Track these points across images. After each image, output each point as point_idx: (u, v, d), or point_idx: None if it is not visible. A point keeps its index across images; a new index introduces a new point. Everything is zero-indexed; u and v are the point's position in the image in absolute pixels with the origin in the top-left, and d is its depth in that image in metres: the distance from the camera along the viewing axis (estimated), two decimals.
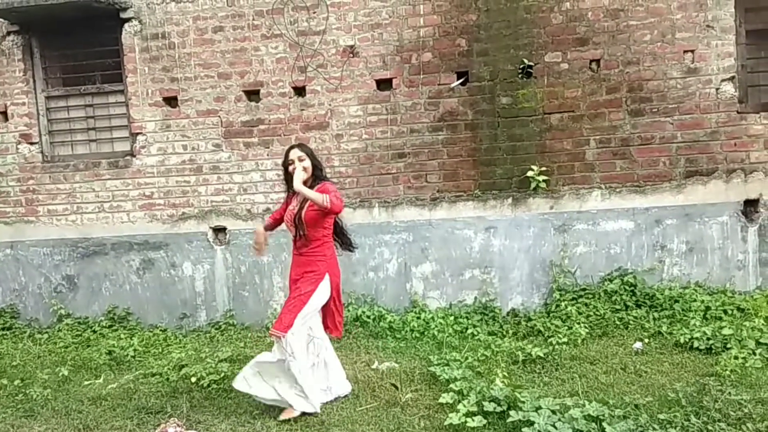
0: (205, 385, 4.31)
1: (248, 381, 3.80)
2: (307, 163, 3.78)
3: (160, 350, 5.40)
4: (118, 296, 6.14)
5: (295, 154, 3.80)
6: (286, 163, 3.84)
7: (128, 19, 5.97)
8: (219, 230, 6.02)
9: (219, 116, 5.94)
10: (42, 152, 6.26)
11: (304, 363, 3.74)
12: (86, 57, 6.19)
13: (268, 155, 5.89)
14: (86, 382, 4.67)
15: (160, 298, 6.10)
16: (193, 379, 4.37)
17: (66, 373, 4.77)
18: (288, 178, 3.85)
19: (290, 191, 3.90)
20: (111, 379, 4.73)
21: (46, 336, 5.91)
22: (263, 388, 3.78)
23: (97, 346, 5.48)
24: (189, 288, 6.07)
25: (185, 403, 4.10)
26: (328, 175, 5.68)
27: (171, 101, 6.02)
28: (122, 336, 5.72)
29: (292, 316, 3.67)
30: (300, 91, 5.84)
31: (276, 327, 3.68)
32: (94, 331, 5.88)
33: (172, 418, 3.78)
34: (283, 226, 4.03)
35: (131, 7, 5.94)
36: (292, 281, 3.89)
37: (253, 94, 5.90)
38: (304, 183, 3.72)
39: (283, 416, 3.72)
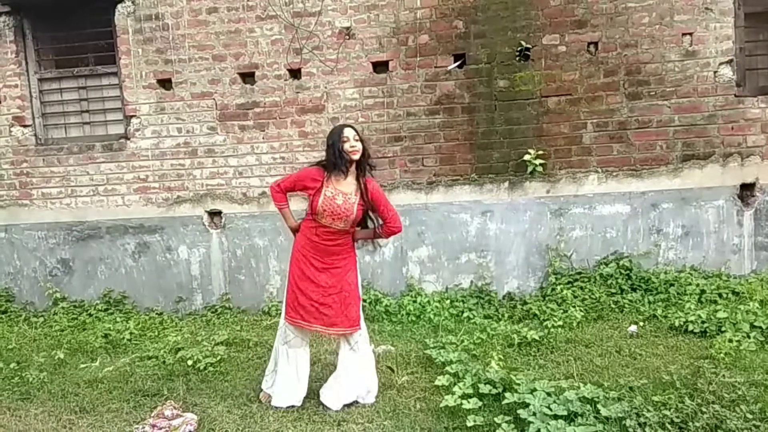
0: (201, 368, 4.32)
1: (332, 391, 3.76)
2: (360, 146, 3.52)
3: (156, 333, 5.40)
4: (113, 280, 6.13)
5: (350, 132, 3.51)
6: (340, 142, 3.48)
7: (121, 0, 5.89)
8: (214, 214, 6.00)
9: (214, 99, 5.89)
10: (35, 135, 6.21)
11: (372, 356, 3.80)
12: (79, 38, 6.11)
13: (263, 138, 5.85)
14: (82, 365, 4.66)
15: (155, 281, 6.09)
16: (190, 362, 4.38)
17: (62, 356, 4.76)
18: (336, 157, 3.50)
19: (329, 174, 3.54)
20: (107, 362, 4.73)
21: (41, 319, 5.90)
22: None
23: (92, 329, 5.48)
24: (185, 271, 6.06)
25: (181, 385, 4.11)
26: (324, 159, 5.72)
27: (165, 83, 5.96)
28: (118, 319, 5.72)
29: (357, 310, 3.66)
30: (295, 73, 5.79)
31: (347, 325, 3.62)
32: (90, 315, 5.87)
33: (168, 401, 3.79)
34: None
35: None
36: (318, 269, 3.60)
37: (248, 77, 5.85)
38: (351, 164, 3.53)
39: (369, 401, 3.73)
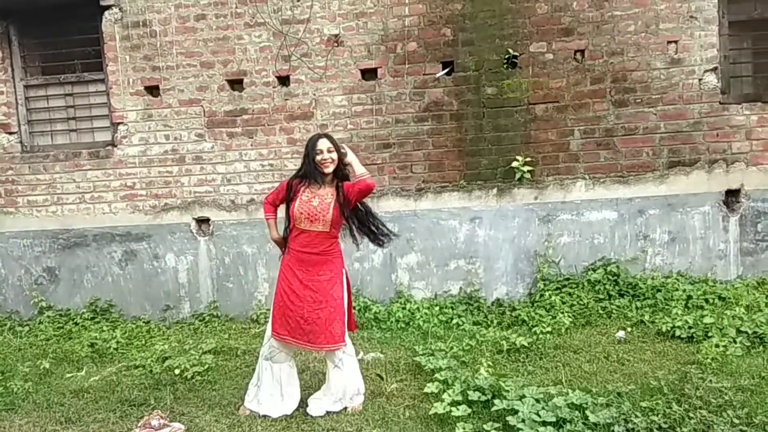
0: (188, 377, 4.28)
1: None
2: (335, 156, 3.56)
3: (143, 342, 5.35)
4: (100, 288, 6.07)
5: (324, 144, 3.54)
6: (313, 153, 3.55)
7: (108, 7, 5.87)
8: (202, 221, 5.97)
9: (202, 106, 5.87)
10: (21, 142, 6.15)
11: (354, 361, 3.78)
12: (66, 45, 6.07)
13: (251, 145, 5.83)
14: (68, 375, 4.62)
15: (143, 289, 6.04)
16: (177, 371, 4.33)
17: (47, 365, 4.71)
18: (311, 168, 3.57)
19: (307, 181, 3.59)
20: (93, 371, 4.69)
21: (27, 328, 5.83)
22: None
23: (79, 338, 5.42)
24: (172, 279, 6.01)
25: (169, 395, 4.07)
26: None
27: (153, 90, 5.93)
28: (104, 328, 5.66)
29: (341, 325, 3.62)
30: (284, 80, 5.79)
31: (332, 342, 3.58)
32: (76, 324, 5.80)
33: (155, 411, 3.76)
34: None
35: None
36: (303, 284, 3.57)
37: (236, 84, 5.84)
38: (327, 175, 3.57)
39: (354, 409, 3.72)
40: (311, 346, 3.63)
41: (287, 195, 3.66)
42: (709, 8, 5.30)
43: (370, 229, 3.81)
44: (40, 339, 5.54)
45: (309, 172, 3.59)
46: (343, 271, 3.75)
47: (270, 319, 3.71)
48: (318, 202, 3.55)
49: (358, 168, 3.62)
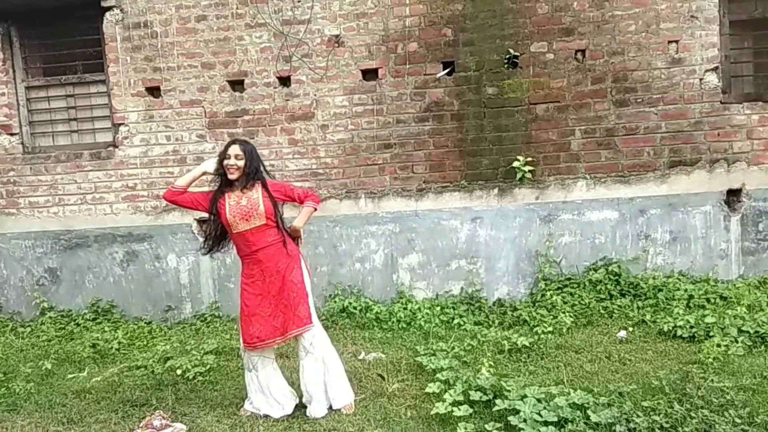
0: (190, 377, 4.30)
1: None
2: (242, 163, 3.57)
3: (145, 343, 5.36)
4: (101, 289, 6.08)
5: (234, 150, 3.59)
6: (222, 157, 3.62)
7: (109, 8, 5.87)
8: (204, 222, 5.95)
9: (203, 106, 5.87)
10: (23, 143, 6.16)
11: (331, 348, 3.75)
12: (67, 46, 6.08)
13: None
14: (70, 376, 4.62)
15: (144, 290, 6.05)
16: (179, 372, 4.35)
17: (49, 366, 4.72)
18: (223, 171, 3.61)
19: (227, 189, 3.63)
20: (95, 372, 4.69)
21: (28, 329, 5.84)
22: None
23: (80, 339, 5.43)
24: (174, 280, 6.02)
25: (170, 395, 4.08)
26: (314, 166, 5.69)
27: (154, 91, 5.94)
28: (106, 329, 5.67)
29: (306, 308, 3.62)
30: (285, 81, 5.79)
31: (299, 324, 3.57)
32: (78, 324, 5.81)
33: (157, 411, 3.77)
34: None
35: None
36: (262, 281, 3.62)
37: (237, 84, 5.84)
38: (234, 180, 3.60)
39: (345, 410, 3.68)
40: (283, 338, 3.64)
41: (212, 208, 3.67)
42: (709, 8, 5.30)
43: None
44: (41, 340, 5.55)
45: (226, 177, 3.62)
46: (300, 257, 3.74)
47: (240, 336, 3.73)
48: (246, 200, 3.60)
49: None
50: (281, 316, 3.60)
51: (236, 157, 3.58)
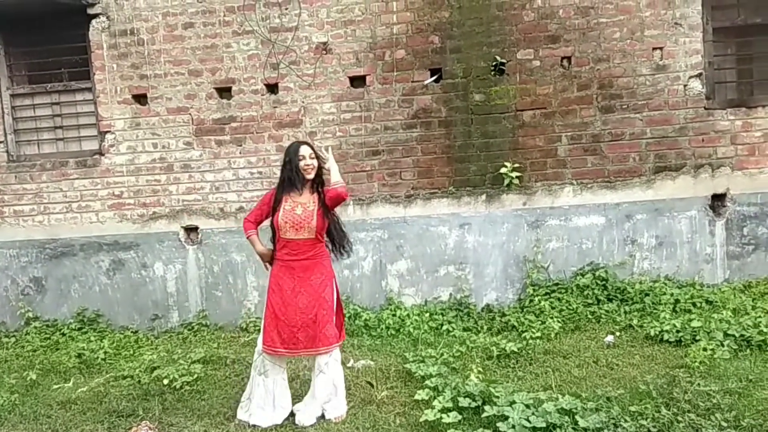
0: (177, 387, 4.25)
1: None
2: (316, 162, 3.64)
3: (132, 352, 5.31)
4: (87, 298, 6.02)
5: (306, 150, 3.62)
6: (296, 160, 3.60)
7: (95, 15, 5.85)
8: (191, 230, 5.94)
9: (190, 114, 5.85)
10: (7, 152, 6.10)
11: (341, 369, 3.77)
12: (53, 54, 6.04)
13: (240, 153, 5.82)
14: (55, 386, 4.57)
15: (130, 299, 6.00)
16: (166, 381, 4.30)
17: (34, 377, 4.66)
18: (293, 175, 3.61)
19: (287, 190, 3.63)
20: (81, 382, 4.64)
21: (13, 339, 5.76)
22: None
23: (66, 349, 5.36)
24: (160, 288, 5.97)
25: (157, 405, 4.04)
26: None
27: (140, 99, 5.91)
28: (92, 338, 5.60)
29: (333, 327, 3.65)
30: (273, 88, 5.79)
31: (326, 343, 3.58)
32: (63, 334, 5.74)
33: (144, 422, 3.73)
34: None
35: (99, 2, 5.81)
36: (294, 292, 3.59)
37: (224, 91, 5.83)
38: (306, 181, 3.63)
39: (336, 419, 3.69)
40: (306, 352, 3.63)
41: (273, 207, 3.67)
42: (693, 15, 5.37)
43: (333, 238, 3.83)
44: (26, 350, 5.48)
45: (290, 179, 3.63)
46: (333, 275, 3.76)
47: (261, 334, 3.70)
48: (301, 210, 3.60)
49: (334, 176, 3.66)
50: (308, 330, 3.59)
51: (311, 156, 3.62)
